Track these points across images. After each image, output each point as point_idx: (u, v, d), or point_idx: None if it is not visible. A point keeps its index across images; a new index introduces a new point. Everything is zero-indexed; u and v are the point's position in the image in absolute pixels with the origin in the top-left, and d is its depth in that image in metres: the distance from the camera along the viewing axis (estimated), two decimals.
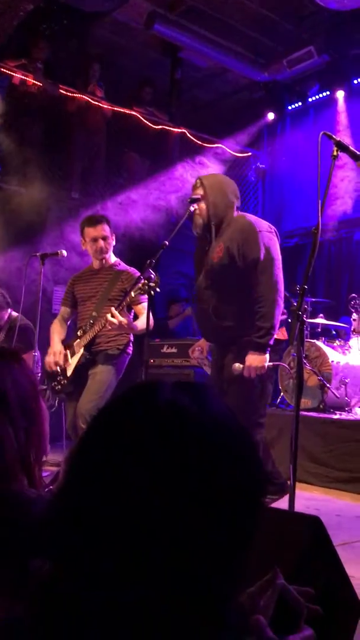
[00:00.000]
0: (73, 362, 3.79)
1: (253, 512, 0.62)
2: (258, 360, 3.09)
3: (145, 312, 3.61)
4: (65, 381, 3.80)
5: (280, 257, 3.22)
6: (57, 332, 3.98)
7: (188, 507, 0.57)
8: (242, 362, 3.15)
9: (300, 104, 8.83)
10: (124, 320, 3.40)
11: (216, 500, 0.58)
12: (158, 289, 3.26)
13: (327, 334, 6.38)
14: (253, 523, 0.62)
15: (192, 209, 3.37)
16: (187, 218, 3.42)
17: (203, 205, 3.31)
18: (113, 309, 3.43)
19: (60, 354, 3.85)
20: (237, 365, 3.14)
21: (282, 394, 6.00)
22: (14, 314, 4.70)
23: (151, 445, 0.58)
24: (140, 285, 3.30)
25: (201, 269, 3.41)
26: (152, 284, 3.20)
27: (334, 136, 2.64)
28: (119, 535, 0.57)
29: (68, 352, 3.87)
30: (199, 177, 3.43)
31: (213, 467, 0.58)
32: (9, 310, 4.74)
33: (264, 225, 3.28)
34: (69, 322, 4.10)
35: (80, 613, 0.58)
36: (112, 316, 3.38)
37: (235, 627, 0.67)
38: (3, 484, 1.07)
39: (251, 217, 3.36)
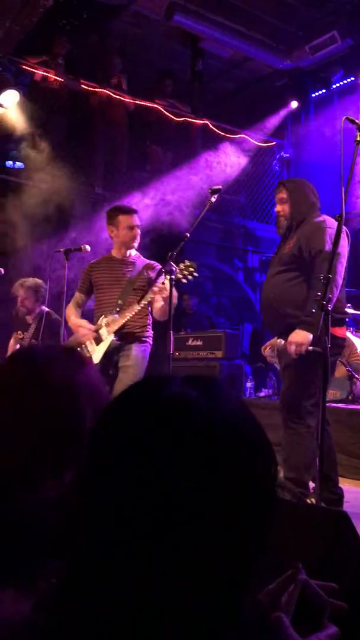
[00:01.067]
0: (101, 349, 3.74)
1: (264, 508, 0.60)
2: (300, 337, 3.08)
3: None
4: None
5: (346, 254, 3.26)
6: (73, 315, 3.98)
7: (195, 503, 0.55)
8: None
9: (324, 90, 8.68)
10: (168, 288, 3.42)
11: (224, 496, 0.57)
12: (196, 274, 3.29)
13: (355, 324, 6.28)
14: (265, 519, 0.61)
15: (212, 200, 3.45)
16: (208, 210, 3.45)
17: (286, 207, 3.45)
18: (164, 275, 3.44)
19: (90, 328, 3.81)
20: (279, 340, 3.17)
21: None
22: (44, 308, 4.80)
23: (156, 441, 0.56)
24: (176, 272, 3.32)
25: (275, 262, 3.53)
26: (187, 273, 3.24)
27: (357, 121, 2.59)
28: (129, 533, 0.55)
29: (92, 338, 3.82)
30: (281, 181, 3.56)
31: (220, 462, 0.57)
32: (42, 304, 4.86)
33: (334, 224, 3.35)
34: (81, 310, 4.08)
35: (93, 610, 0.57)
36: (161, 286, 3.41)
37: (252, 625, 0.66)
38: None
39: (326, 217, 3.47)
